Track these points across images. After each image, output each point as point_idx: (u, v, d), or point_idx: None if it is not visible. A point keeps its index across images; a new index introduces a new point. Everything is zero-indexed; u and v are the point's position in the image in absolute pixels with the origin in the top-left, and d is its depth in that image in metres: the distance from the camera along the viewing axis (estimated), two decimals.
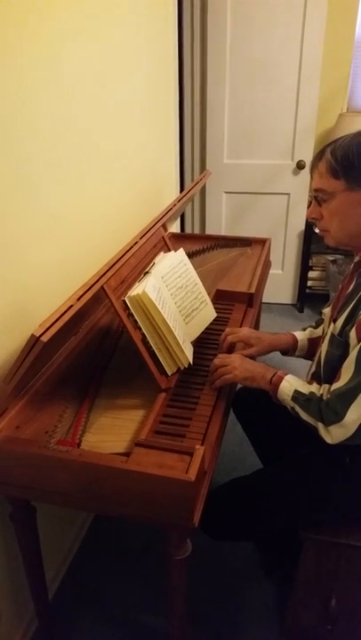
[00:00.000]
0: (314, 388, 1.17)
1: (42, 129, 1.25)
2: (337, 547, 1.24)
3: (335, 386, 1.10)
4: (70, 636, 1.50)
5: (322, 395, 1.13)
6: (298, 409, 1.15)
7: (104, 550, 1.77)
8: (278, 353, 1.51)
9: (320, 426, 1.10)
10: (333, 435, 1.08)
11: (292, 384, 1.18)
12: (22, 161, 1.18)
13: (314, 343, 1.45)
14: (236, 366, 1.24)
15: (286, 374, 1.21)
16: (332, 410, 1.07)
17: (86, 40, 1.45)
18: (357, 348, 1.05)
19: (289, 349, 1.48)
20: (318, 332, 1.47)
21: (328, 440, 1.09)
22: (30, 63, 1.17)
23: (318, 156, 1.13)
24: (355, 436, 1.07)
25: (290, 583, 1.40)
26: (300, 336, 1.48)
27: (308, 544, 1.26)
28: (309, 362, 1.39)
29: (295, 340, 1.47)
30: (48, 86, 1.26)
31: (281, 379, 1.20)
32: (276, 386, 1.19)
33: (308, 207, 1.20)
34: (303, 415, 1.14)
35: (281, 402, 1.20)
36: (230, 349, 1.41)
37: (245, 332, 1.42)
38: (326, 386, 1.15)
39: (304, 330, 1.50)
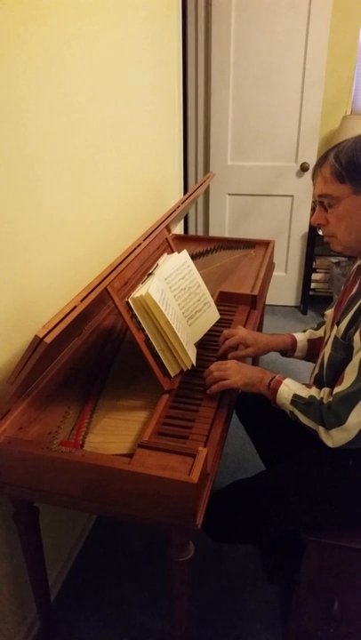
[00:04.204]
0: (313, 391, 1.17)
1: (44, 131, 1.25)
2: (339, 549, 1.24)
3: (337, 389, 1.09)
4: (72, 637, 1.50)
5: (322, 398, 1.13)
6: (297, 413, 1.15)
7: (106, 552, 1.77)
8: (280, 354, 1.51)
9: (321, 430, 1.10)
10: (335, 438, 1.08)
11: (290, 388, 1.18)
12: (25, 163, 1.18)
13: (314, 344, 1.45)
14: (233, 372, 1.22)
15: (285, 378, 1.21)
16: (334, 413, 1.07)
17: (89, 42, 1.45)
18: None
19: (287, 350, 1.47)
20: (319, 333, 1.46)
21: (329, 444, 1.09)
22: (32, 64, 1.17)
23: (321, 162, 1.13)
24: (356, 439, 1.06)
25: (292, 585, 1.40)
26: (300, 337, 1.47)
27: (310, 546, 1.26)
28: (312, 363, 1.39)
29: (294, 341, 1.47)
30: (50, 88, 1.26)
31: (279, 383, 1.19)
32: (275, 390, 1.19)
33: (312, 212, 1.20)
34: (303, 419, 1.14)
35: (280, 406, 1.19)
36: (230, 350, 1.41)
37: (242, 333, 1.41)
38: (327, 389, 1.15)
39: (304, 331, 1.50)
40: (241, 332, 1.41)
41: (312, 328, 1.50)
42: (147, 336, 1.22)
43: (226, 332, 1.43)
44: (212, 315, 1.50)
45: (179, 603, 1.17)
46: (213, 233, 3.44)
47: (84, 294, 1.08)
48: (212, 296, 1.53)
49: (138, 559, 1.74)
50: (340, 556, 1.25)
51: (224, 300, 1.72)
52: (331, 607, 1.32)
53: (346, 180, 1.07)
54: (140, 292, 1.20)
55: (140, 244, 1.44)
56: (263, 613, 1.57)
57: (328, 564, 1.27)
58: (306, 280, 3.40)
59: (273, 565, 1.69)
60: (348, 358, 1.10)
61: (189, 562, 1.08)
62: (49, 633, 1.48)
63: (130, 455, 1.01)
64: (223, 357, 1.38)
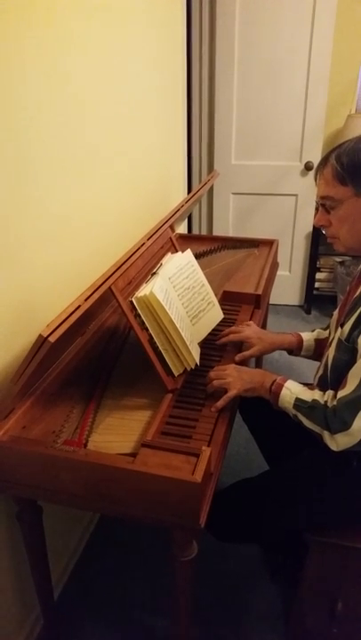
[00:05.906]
0: (317, 394, 1.16)
1: (46, 130, 1.25)
2: (343, 549, 1.23)
3: (341, 393, 1.09)
4: (75, 636, 1.51)
5: (326, 402, 1.12)
6: (301, 417, 1.15)
7: (109, 550, 1.77)
8: (285, 354, 1.50)
9: (326, 434, 1.10)
10: (339, 442, 1.08)
11: (292, 391, 1.17)
12: (27, 162, 1.18)
13: (321, 344, 1.45)
14: (233, 380, 1.21)
15: (286, 381, 1.20)
16: (340, 418, 1.07)
17: (92, 41, 1.45)
18: None
19: (293, 349, 1.47)
20: (327, 333, 1.46)
21: (333, 447, 1.09)
22: (34, 64, 1.17)
23: (323, 163, 1.12)
24: (360, 442, 1.07)
25: (295, 585, 1.40)
26: (307, 336, 1.48)
27: (313, 546, 1.26)
28: (316, 363, 1.39)
29: (300, 340, 1.47)
30: (53, 87, 1.26)
31: (281, 386, 1.19)
32: (277, 394, 1.18)
33: (316, 212, 1.19)
34: (306, 423, 1.14)
35: (282, 409, 1.19)
36: (232, 348, 1.40)
37: (248, 332, 1.42)
38: (331, 392, 1.14)
39: (313, 331, 1.50)
40: (246, 332, 1.42)
41: (321, 328, 1.50)
42: (150, 335, 1.22)
43: (233, 328, 1.45)
44: (215, 314, 1.50)
45: (181, 602, 1.17)
46: (217, 232, 3.44)
47: (88, 293, 1.08)
48: (215, 295, 1.52)
49: (141, 558, 1.74)
50: (343, 555, 1.25)
51: (228, 300, 1.72)
52: (334, 607, 1.32)
53: (347, 182, 1.07)
54: (143, 291, 1.20)
55: (143, 244, 1.44)
56: (265, 613, 1.57)
57: (331, 564, 1.27)
58: (310, 279, 3.39)
59: (276, 565, 1.69)
60: (353, 360, 1.10)
61: (192, 561, 1.08)
62: (52, 631, 1.48)
63: (133, 454, 1.02)
64: (225, 352, 1.38)
